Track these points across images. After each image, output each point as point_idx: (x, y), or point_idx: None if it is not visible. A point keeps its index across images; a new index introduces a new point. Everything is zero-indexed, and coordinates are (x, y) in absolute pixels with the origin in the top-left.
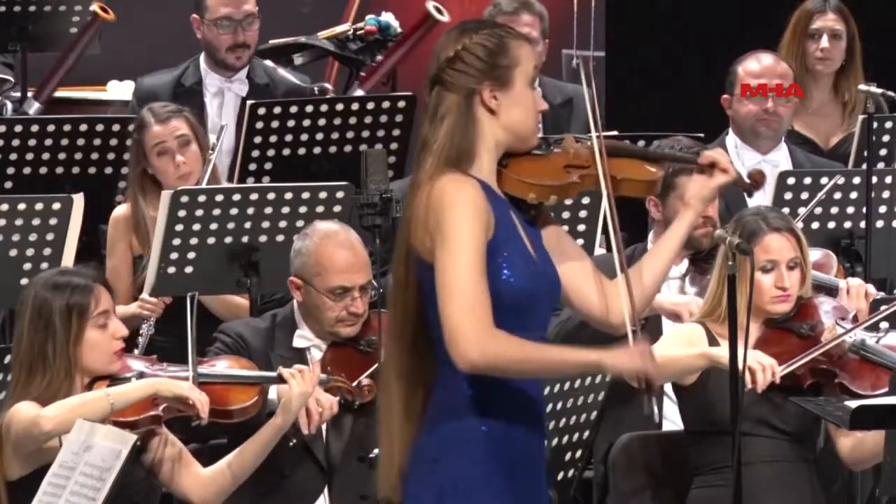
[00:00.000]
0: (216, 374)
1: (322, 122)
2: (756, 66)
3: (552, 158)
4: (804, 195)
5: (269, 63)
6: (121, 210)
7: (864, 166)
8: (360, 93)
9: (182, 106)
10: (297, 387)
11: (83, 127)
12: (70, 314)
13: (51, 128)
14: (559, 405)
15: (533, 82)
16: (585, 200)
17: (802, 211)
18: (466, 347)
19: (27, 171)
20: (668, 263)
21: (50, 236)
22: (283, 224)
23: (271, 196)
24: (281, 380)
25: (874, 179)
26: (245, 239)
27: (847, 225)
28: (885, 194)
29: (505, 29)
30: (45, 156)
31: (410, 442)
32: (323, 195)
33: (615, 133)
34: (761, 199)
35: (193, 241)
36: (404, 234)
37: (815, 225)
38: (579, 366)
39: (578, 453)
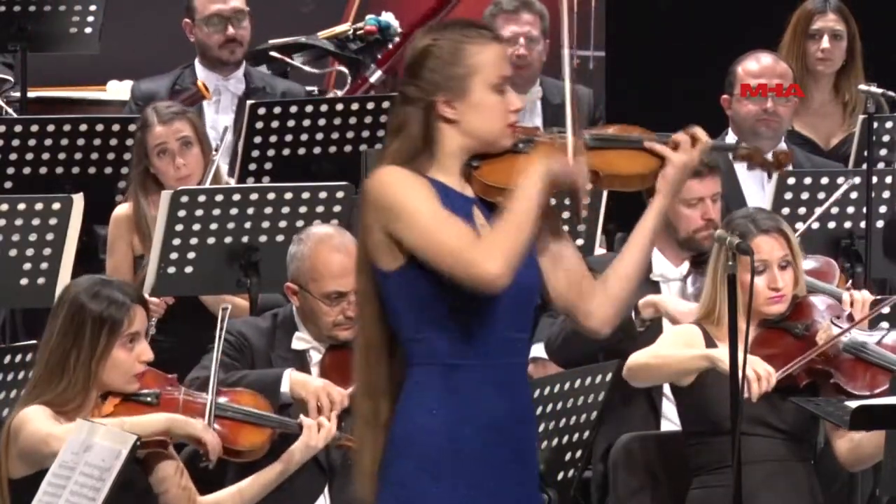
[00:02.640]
0: (235, 410)
1: (322, 122)
2: (756, 66)
3: (531, 157)
4: (804, 195)
5: (265, 70)
6: (122, 209)
7: (864, 166)
8: (378, 74)
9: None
10: (312, 440)
11: (83, 127)
12: (102, 327)
13: (51, 128)
14: (559, 405)
15: (499, 85)
16: (585, 200)
17: (803, 211)
18: (484, 267)
19: (27, 171)
20: (641, 253)
21: (50, 236)
22: (283, 224)
23: (271, 196)
24: (299, 428)
25: (874, 179)
26: (245, 239)
27: (847, 225)
28: (885, 194)
29: (468, 31)
30: (45, 156)
31: (379, 450)
32: (323, 195)
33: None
34: (760, 199)
35: (193, 241)
36: (360, 243)
37: (815, 225)
38: (533, 191)
39: (578, 453)
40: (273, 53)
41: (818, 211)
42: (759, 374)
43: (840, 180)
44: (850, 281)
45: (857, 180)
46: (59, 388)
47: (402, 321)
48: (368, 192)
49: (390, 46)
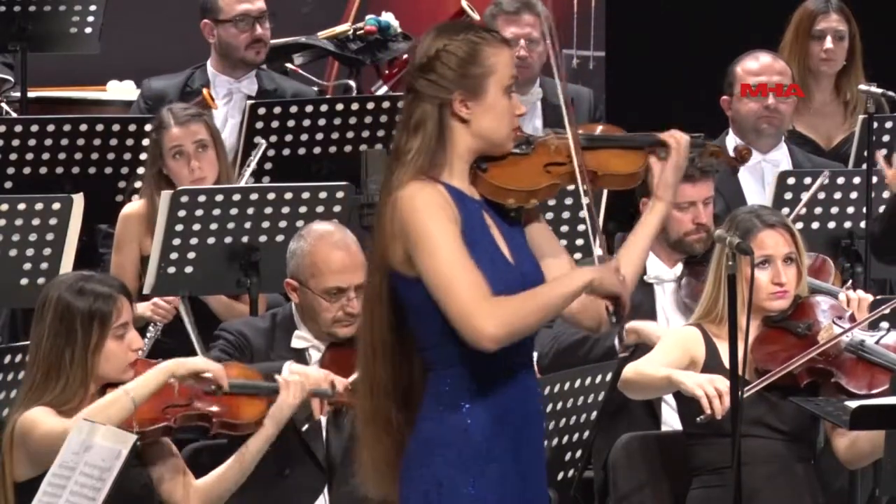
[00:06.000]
0: (230, 383)
1: (322, 122)
2: (755, 65)
3: (532, 158)
4: (804, 195)
5: (275, 73)
6: (132, 207)
7: (864, 166)
8: (384, 89)
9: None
10: (290, 397)
11: (83, 127)
12: (92, 321)
13: (51, 128)
14: (559, 405)
15: (509, 89)
16: (586, 200)
17: (803, 211)
18: (482, 324)
19: (27, 171)
20: (639, 254)
21: (50, 236)
22: (283, 224)
23: (271, 196)
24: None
25: (874, 179)
26: (245, 239)
27: (847, 225)
28: (885, 194)
29: (482, 34)
30: (45, 156)
31: (384, 453)
32: (323, 195)
33: None
34: (761, 198)
35: (193, 241)
36: (377, 245)
37: (815, 225)
38: (578, 292)
39: (578, 453)
40: (289, 65)
41: (790, 213)
42: (721, 391)
43: (807, 180)
44: (851, 280)
45: (826, 180)
46: (57, 388)
47: (427, 327)
48: (398, 208)
49: (397, 60)
